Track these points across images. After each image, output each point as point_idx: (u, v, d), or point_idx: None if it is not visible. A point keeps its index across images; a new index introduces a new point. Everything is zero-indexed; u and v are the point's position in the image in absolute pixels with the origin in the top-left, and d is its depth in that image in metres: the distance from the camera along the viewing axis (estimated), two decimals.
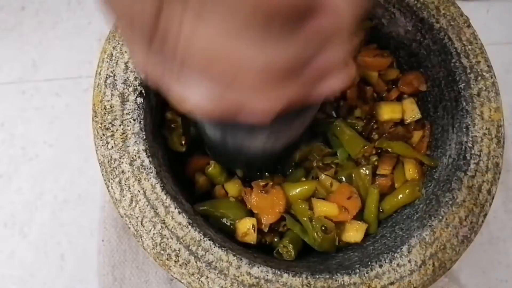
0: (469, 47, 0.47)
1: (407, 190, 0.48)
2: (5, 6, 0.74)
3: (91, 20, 0.76)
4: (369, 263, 0.41)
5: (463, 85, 0.46)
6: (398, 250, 0.42)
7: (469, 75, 0.46)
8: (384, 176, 0.49)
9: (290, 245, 0.45)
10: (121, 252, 0.64)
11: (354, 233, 0.46)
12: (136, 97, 0.42)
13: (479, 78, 0.46)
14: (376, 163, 0.49)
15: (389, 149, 0.49)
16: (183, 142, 0.47)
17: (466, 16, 0.47)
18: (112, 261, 0.64)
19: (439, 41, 0.48)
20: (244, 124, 0.26)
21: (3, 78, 0.72)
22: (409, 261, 0.42)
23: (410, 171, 0.48)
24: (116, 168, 0.40)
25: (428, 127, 0.51)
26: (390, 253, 0.42)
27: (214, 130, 0.40)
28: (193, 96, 0.24)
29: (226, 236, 0.44)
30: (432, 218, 0.43)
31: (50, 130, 0.70)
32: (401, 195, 0.48)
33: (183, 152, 0.47)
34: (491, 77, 0.46)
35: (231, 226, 0.45)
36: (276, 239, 0.46)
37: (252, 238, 0.44)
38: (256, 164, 0.48)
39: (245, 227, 0.45)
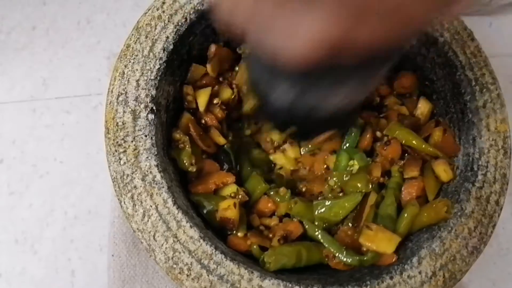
0: (474, 60, 0.47)
1: (433, 213, 0.45)
2: (16, 26, 0.76)
3: (100, 39, 0.77)
4: (379, 275, 0.41)
5: (468, 97, 0.47)
6: (409, 262, 0.42)
7: (474, 88, 0.47)
8: (414, 179, 0.47)
9: (270, 261, 0.43)
10: (131, 267, 0.64)
11: (386, 243, 0.43)
12: (148, 113, 0.42)
13: (484, 90, 0.46)
14: (401, 168, 0.48)
15: (397, 137, 0.48)
16: (193, 161, 0.46)
17: (470, 29, 0.48)
18: (123, 276, 0.64)
19: (444, 55, 0.48)
20: (329, 77, 0.27)
21: (15, 96, 0.73)
22: (420, 273, 0.42)
23: (444, 171, 0.46)
24: (129, 184, 0.41)
25: (446, 122, 0.50)
26: (401, 264, 0.42)
27: (288, 91, 0.36)
28: (305, 29, 0.19)
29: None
30: (442, 229, 0.43)
31: (60, 147, 0.71)
32: (428, 214, 0.45)
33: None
34: (496, 89, 0.47)
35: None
36: (255, 246, 0.45)
37: (232, 213, 0.43)
38: (314, 127, 0.45)
39: (226, 204, 0.43)
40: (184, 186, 0.46)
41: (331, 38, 0.19)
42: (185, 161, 0.46)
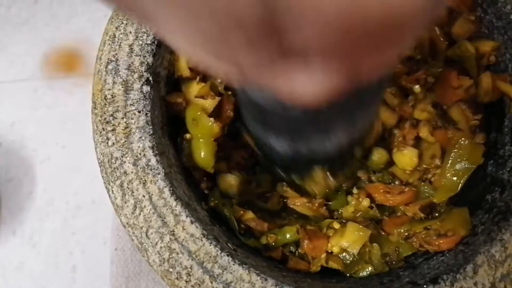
0: None
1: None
2: (18, 0, 0.71)
3: (107, 13, 0.71)
4: (424, 286, 0.33)
5: None
6: (461, 270, 0.34)
7: None
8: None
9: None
10: (136, 262, 0.59)
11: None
12: (142, 85, 0.35)
13: None
14: None
15: None
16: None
17: None
18: (126, 272, 0.59)
19: (505, 16, 0.40)
20: (322, 124, 0.29)
21: (15, 75, 0.68)
22: (475, 284, 0.34)
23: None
24: (118, 169, 0.34)
25: None
26: (451, 273, 0.34)
27: (283, 144, 0.35)
28: (304, 84, 0.17)
29: (248, 249, 0.37)
30: (503, 230, 0.35)
31: (63, 130, 0.66)
32: None
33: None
34: None
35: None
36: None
37: None
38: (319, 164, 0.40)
39: None
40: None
41: (335, 88, 0.17)
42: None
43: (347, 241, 0.39)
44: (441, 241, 0.38)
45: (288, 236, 0.39)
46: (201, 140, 0.38)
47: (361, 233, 0.39)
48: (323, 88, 0.17)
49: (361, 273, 0.38)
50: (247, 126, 0.39)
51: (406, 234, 0.40)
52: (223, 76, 0.18)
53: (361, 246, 0.39)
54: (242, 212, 0.38)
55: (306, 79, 0.17)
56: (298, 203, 0.41)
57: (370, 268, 0.38)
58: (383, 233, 0.41)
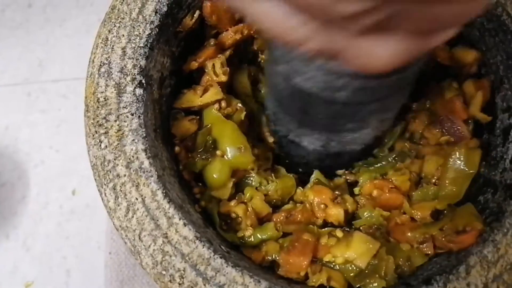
0: None
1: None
2: (12, 4, 0.71)
3: (101, 17, 0.71)
4: (417, 287, 0.33)
5: None
6: (454, 271, 0.34)
7: None
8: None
9: None
10: (130, 266, 0.59)
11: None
12: (135, 87, 0.35)
13: None
14: None
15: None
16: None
17: None
18: (121, 276, 0.59)
19: (496, 18, 0.40)
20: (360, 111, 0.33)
21: (8, 79, 0.68)
22: (468, 285, 0.34)
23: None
24: (110, 171, 0.34)
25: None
26: (444, 274, 0.34)
27: (315, 139, 0.39)
28: (381, 52, 0.21)
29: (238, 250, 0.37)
30: (495, 231, 0.35)
31: (56, 134, 0.66)
32: None
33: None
34: None
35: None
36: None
37: None
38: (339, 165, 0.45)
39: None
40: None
41: (409, 56, 0.21)
42: None
43: (354, 253, 0.36)
44: (464, 237, 0.36)
45: (268, 234, 0.38)
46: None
47: (370, 245, 0.36)
48: (397, 54, 0.20)
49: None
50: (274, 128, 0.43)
51: (422, 238, 0.38)
52: (297, 42, 0.21)
53: (370, 259, 0.36)
54: (233, 203, 0.38)
55: (383, 46, 0.20)
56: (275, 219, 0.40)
57: (383, 283, 0.36)
58: (392, 241, 0.39)
